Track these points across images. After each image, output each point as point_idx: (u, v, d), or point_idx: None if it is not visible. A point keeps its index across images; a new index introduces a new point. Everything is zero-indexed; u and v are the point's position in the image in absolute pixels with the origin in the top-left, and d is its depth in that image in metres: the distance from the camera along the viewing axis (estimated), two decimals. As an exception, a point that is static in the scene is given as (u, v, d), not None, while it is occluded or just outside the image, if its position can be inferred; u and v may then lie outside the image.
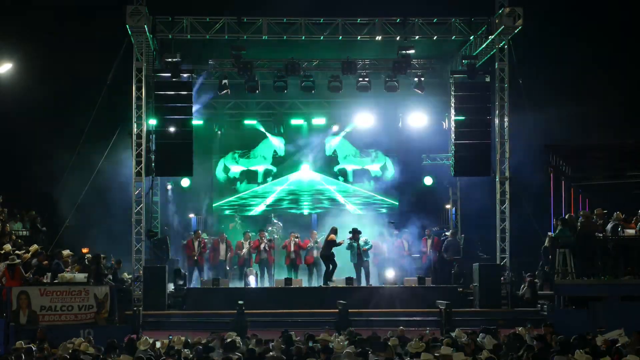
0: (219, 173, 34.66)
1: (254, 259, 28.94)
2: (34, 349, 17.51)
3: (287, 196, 34.95)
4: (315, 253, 28.77)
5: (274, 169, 34.78)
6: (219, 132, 34.16)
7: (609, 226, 24.70)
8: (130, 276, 27.39)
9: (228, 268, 29.76)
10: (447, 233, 31.00)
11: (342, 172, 34.97)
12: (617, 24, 33.22)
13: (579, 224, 24.95)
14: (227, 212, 34.46)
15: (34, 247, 25.47)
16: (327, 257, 27.79)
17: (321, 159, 34.85)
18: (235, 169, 34.73)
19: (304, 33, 27.83)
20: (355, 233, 28.17)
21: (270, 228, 31.47)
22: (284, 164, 34.87)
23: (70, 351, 16.85)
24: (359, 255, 28.07)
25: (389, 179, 34.79)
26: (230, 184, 34.73)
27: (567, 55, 32.59)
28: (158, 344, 18.13)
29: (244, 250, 29.21)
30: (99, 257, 25.34)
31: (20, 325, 22.64)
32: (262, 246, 28.82)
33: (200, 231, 30.10)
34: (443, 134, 33.17)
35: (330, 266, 27.70)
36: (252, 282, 28.04)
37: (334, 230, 28.18)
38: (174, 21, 27.66)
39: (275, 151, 34.69)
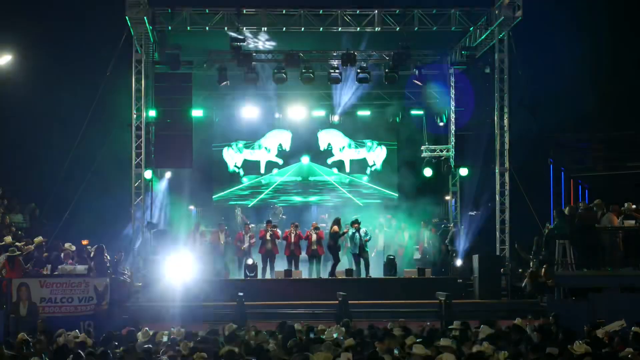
0: (223, 163, 34.59)
1: (259, 249, 28.82)
2: (31, 342, 17.57)
3: (287, 187, 34.96)
4: (315, 245, 28.68)
5: (280, 162, 34.72)
6: (218, 122, 34.11)
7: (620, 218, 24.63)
8: (130, 268, 27.38)
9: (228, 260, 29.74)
10: (450, 225, 31.05)
11: (339, 164, 34.95)
12: (617, 14, 33.17)
13: (576, 215, 24.96)
14: (227, 203, 34.45)
15: (39, 238, 25.46)
16: (333, 249, 27.83)
17: (319, 150, 34.83)
18: (238, 159, 34.68)
19: (303, 25, 27.82)
20: (356, 224, 28.15)
21: (274, 215, 31.66)
22: (285, 155, 34.86)
23: (71, 343, 16.86)
24: (361, 246, 28.04)
25: (387, 169, 34.76)
26: (233, 174, 34.68)
27: (567, 46, 32.56)
28: (164, 338, 18.10)
29: (245, 245, 29.03)
30: (102, 248, 25.32)
31: (21, 317, 22.66)
32: (267, 235, 28.62)
33: (199, 223, 30.06)
34: (443, 125, 33.16)
35: (334, 259, 27.73)
36: (250, 262, 27.80)
37: (337, 222, 28.21)
38: (174, 13, 27.64)
39: (280, 144, 34.63)
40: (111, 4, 28.14)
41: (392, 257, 28.45)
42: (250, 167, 34.83)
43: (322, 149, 34.75)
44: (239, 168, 34.72)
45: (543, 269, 26.05)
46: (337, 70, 30.41)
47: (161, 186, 32.07)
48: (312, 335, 17.58)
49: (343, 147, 34.87)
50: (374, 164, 34.94)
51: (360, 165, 34.99)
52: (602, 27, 32.76)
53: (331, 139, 34.73)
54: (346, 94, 32.94)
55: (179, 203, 32.96)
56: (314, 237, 28.57)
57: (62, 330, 18.20)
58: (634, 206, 25.00)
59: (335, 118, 34.30)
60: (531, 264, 27.00)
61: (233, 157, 34.61)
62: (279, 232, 28.95)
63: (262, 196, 34.74)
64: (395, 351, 15.70)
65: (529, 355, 15.18)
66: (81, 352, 15.19)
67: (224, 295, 25.32)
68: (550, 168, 27.24)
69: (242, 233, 29.45)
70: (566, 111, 31.98)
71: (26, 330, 20.26)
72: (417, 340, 16.18)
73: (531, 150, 29.90)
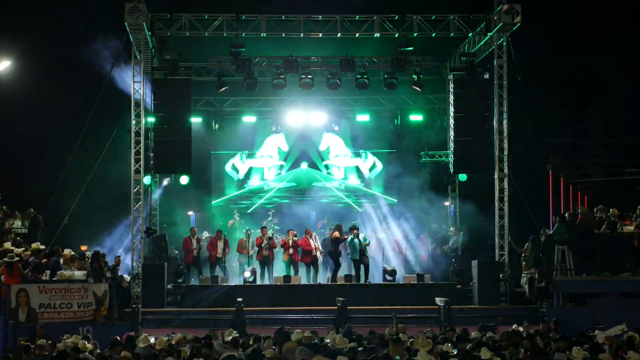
0: (229, 174, 34.66)
1: (256, 256, 28.81)
2: (32, 347, 17.56)
3: (286, 193, 34.96)
4: (313, 251, 28.68)
5: (282, 163, 34.81)
6: (216, 128, 34.15)
7: (605, 223, 24.71)
8: (129, 274, 27.35)
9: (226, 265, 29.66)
10: (452, 229, 31.05)
11: (333, 167, 34.98)
12: (615, 19, 33.19)
13: (577, 221, 24.99)
14: (225, 208, 34.46)
15: (36, 244, 25.45)
16: (334, 254, 27.82)
17: (317, 154, 34.85)
18: (244, 168, 34.75)
19: (302, 30, 27.84)
20: (355, 229, 28.13)
21: (269, 221, 31.70)
22: (284, 161, 34.88)
23: (70, 348, 16.86)
24: (361, 251, 28.00)
25: (386, 175, 34.79)
26: (239, 183, 34.73)
27: (566, 51, 32.58)
28: (164, 343, 18.09)
29: (251, 252, 28.94)
30: (99, 254, 25.31)
31: (20, 323, 22.63)
32: (264, 244, 28.61)
33: (196, 228, 30.02)
34: (442, 131, 33.20)
35: (335, 265, 27.74)
36: (248, 274, 27.77)
37: (338, 227, 28.20)
38: (173, 18, 27.65)
39: (279, 147, 34.70)
40: (110, 10, 28.13)
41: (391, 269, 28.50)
42: (255, 173, 34.85)
43: (321, 149, 34.77)
44: (244, 175, 34.74)
45: (537, 273, 26.16)
46: (336, 76, 30.43)
47: (160, 191, 32.08)
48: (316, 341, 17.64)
49: (338, 154, 34.89)
50: (366, 174, 34.97)
51: (356, 173, 35.00)
52: (601, 31, 32.77)
53: (332, 143, 34.76)
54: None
55: (177, 208, 32.96)
56: (311, 243, 28.63)
57: (68, 336, 18.24)
58: (618, 212, 25.12)
59: (336, 129, 34.32)
60: (521, 254, 27.04)
61: (239, 166, 34.67)
62: (276, 241, 28.97)
63: (261, 202, 34.74)
64: (397, 357, 15.71)
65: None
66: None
67: (223, 300, 25.32)
68: (550, 174, 27.17)
69: (244, 240, 29.35)
70: (565, 117, 32.00)
71: (24, 336, 20.30)
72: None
73: (530, 156, 29.89)
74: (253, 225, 32.27)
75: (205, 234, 30.39)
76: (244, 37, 28.02)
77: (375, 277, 28.84)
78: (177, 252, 29.62)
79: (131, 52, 27.54)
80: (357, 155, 35.01)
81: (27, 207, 28.61)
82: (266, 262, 28.51)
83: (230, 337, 18.09)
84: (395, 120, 34.55)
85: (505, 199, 27.72)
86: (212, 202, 34.63)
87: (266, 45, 29.47)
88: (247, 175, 34.85)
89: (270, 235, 29.22)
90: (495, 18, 27.42)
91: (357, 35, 28.12)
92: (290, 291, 26.82)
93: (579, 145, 28.95)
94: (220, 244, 28.93)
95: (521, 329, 20.41)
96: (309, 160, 34.92)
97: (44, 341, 18.26)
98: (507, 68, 28.00)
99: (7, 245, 24.73)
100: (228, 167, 34.77)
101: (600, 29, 32.86)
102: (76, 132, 28.50)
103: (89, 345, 17.50)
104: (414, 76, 30.54)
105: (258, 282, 27.92)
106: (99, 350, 17.04)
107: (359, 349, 16.42)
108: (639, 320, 20.29)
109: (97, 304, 23.33)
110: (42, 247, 25.51)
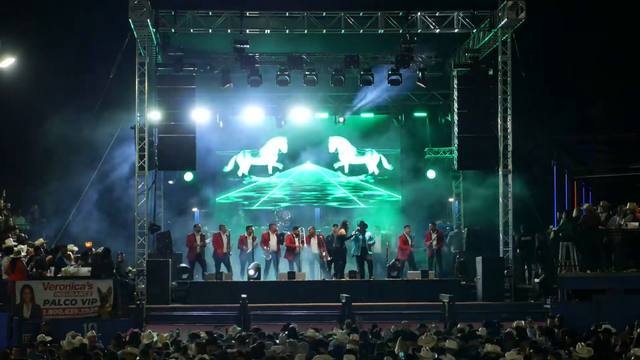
0: (231, 170, 34.70)
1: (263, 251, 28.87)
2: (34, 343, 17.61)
3: (290, 190, 34.97)
4: (316, 249, 28.70)
5: (281, 165, 34.85)
6: (221, 125, 34.17)
7: (627, 218, 24.65)
8: (133, 270, 27.36)
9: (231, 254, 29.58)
10: (455, 225, 31.07)
11: (340, 167, 34.99)
12: (620, 17, 33.15)
13: (581, 217, 24.98)
14: (230, 205, 34.49)
15: (39, 241, 25.47)
16: (340, 251, 27.80)
17: (323, 153, 34.85)
18: (246, 165, 34.80)
19: (306, 27, 27.84)
20: (362, 226, 28.13)
21: (277, 221, 31.75)
22: (288, 158, 34.89)
23: (75, 345, 16.87)
24: (363, 248, 28.01)
25: (390, 171, 34.80)
26: (240, 179, 34.76)
27: (571, 48, 32.55)
28: (168, 340, 18.11)
29: (249, 248, 28.94)
30: (108, 250, 25.28)
31: (24, 319, 22.66)
32: (270, 241, 28.66)
33: (201, 225, 30.00)
34: (446, 127, 33.16)
35: (340, 262, 27.75)
36: (252, 272, 27.81)
37: (344, 224, 28.22)
38: (177, 15, 27.66)
39: (279, 149, 34.73)
40: (114, 6, 28.15)
41: (396, 259, 28.42)
42: (256, 171, 34.87)
43: (331, 151, 34.79)
44: (246, 174, 34.78)
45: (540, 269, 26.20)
46: (340, 73, 30.42)
47: (164, 188, 32.08)
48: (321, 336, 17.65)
49: (344, 152, 34.95)
50: (373, 170, 34.99)
51: (361, 169, 35.02)
52: (606, 28, 32.73)
53: (339, 144, 34.81)
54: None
55: (181, 205, 32.97)
56: (316, 240, 28.69)
57: (73, 333, 18.23)
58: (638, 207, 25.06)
59: (341, 120, 34.25)
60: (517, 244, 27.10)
61: (241, 163, 34.71)
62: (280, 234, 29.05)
63: (265, 198, 34.77)
64: (401, 354, 15.72)
65: (533, 357, 15.21)
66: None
67: (227, 297, 25.32)
68: (554, 170, 27.16)
69: (245, 236, 29.35)
70: (570, 113, 31.96)
71: (29, 332, 20.33)
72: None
73: (534, 152, 29.85)
74: (257, 223, 32.32)
75: (207, 230, 30.37)
76: (248, 33, 28.03)
77: (380, 274, 28.85)
78: (181, 252, 29.58)
79: (135, 49, 27.50)
80: (363, 153, 35.00)
81: (31, 203, 28.71)
82: (273, 258, 28.57)
83: (235, 334, 18.10)
84: (400, 117, 34.52)
85: (510, 195, 27.68)
86: (217, 199, 34.64)
87: (270, 42, 29.45)
88: (249, 172, 34.84)
89: (280, 226, 29.34)
90: (500, 14, 27.37)
91: (361, 31, 28.10)
92: (294, 287, 26.82)
93: (583, 141, 28.92)
94: (225, 239, 28.91)
95: (526, 325, 20.39)
96: (314, 157, 34.91)
97: (44, 336, 18.26)
98: (511, 64, 27.95)
99: (10, 242, 24.77)
100: (231, 164, 34.76)
101: (605, 24, 32.83)
102: (81, 128, 28.52)
103: (95, 338, 17.52)
104: (418, 73, 30.51)
105: (263, 278, 27.95)
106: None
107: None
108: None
109: (101, 301, 23.35)
110: (45, 241, 25.58)
